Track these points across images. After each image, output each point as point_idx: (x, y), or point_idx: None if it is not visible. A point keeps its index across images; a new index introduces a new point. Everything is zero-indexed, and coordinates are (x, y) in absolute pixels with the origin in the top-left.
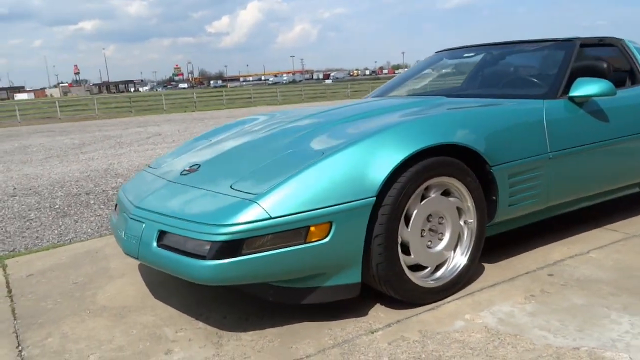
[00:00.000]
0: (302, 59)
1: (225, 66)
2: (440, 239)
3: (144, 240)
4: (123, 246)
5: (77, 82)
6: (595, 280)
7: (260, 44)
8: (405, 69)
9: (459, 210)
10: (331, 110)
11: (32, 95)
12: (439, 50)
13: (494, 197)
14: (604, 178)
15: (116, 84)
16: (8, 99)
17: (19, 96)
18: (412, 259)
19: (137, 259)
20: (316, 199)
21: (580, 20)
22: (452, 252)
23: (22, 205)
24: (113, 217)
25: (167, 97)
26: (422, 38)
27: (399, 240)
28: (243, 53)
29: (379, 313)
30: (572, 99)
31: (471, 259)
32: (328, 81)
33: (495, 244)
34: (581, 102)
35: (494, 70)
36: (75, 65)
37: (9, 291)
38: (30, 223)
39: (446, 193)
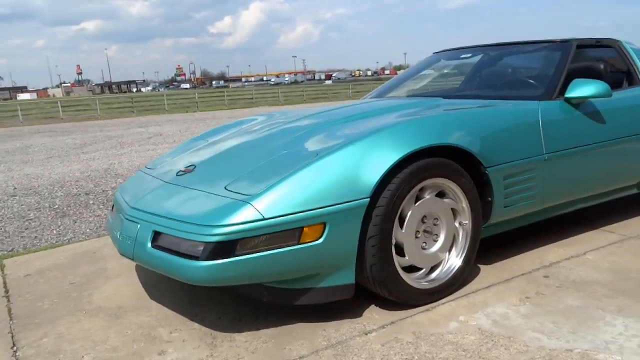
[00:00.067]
0: (304, 60)
1: (228, 66)
2: (435, 241)
3: (139, 241)
4: (118, 247)
5: (80, 82)
6: (591, 282)
7: (263, 44)
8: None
9: (454, 212)
10: (328, 111)
11: (34, 96)
12: (437, 51)
13: (489, 199)
14: (600, 180)
15: (118, 84)
16: (11, 99)
17: (22, 96)
18: (407, 260)
19: (132, 259)
20: (310, 199)
21: (582, 21)
22: (447, 253)
23: (22, 205)
24: (110, 218)
25: (168, 97)
26: (424, 38)
27: (393, 242)
28: (245, 53)
29: (374, 314)
30: (568, 100)
31: (466, 261)
32: (328, 82)
33: (491, 246)
34: (577, 104)
35: (491, 71)
36: (78, 66)
37: (6, 291)
38: (30, 223)
39: (441, 194)
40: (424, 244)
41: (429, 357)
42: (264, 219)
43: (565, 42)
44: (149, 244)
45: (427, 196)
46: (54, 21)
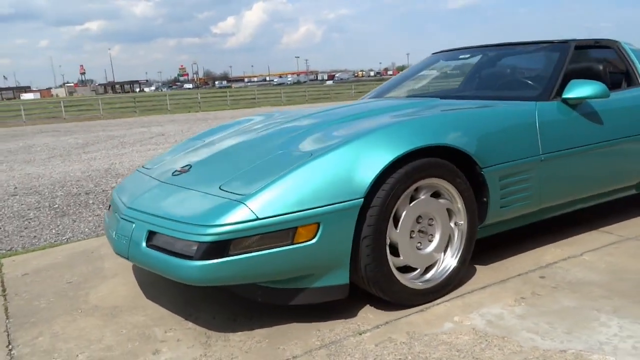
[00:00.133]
0: (306, 60)
1: (230, 67)
2: (430, 241)
3: (134, 240)
4: (114, 246)
5: (83, 82)
6: (587, 283)
7: (265, 44)
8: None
9: (450, 212)
10: (325, 111)
11: (38, 95)
12: (436, 51)
13: (485, 199)
14: (598, 180)
15: (121, 84)
16: (14, 98)
17: (25, 96)
18: (401, 260)
19: (127, 259)
20: (304, 200)
21: (583, 21)
22: (442, 253)
23: (22, 204)
24: (106, 217)
25: (171, 97)
26: (427, 39)
27: (388, 242)
28: (248, 54)
29: (368, 314)
30: (565, 100)
31: (461, 261)
32: (329, 82)
33: (488, 246)
34: (575, 104)
35: (489, 72)
36: (81, 66)
37: (4, 290)
38: (29, 222)
39: (436, 194)
40: (418, 244)
41: (423, 357)
42: (258, 218)
43: (563, 42)
44: (144, 244)
45: (422, 196)
46: (57, 21)
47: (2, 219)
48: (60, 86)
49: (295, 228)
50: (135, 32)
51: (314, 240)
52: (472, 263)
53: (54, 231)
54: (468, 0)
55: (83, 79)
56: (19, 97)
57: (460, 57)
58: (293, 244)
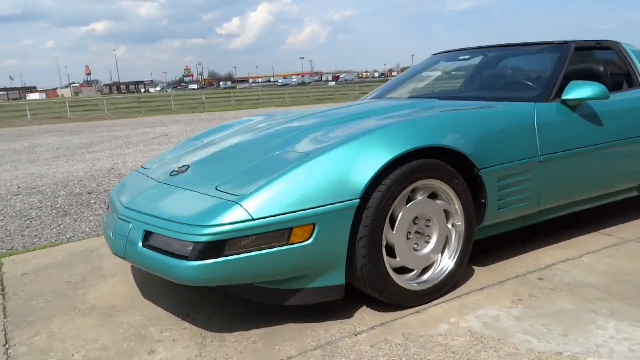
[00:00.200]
0: (311, 61)
1: (235, 68)
2: (428, 242)
3: (131, 241)
4: (111, 246)
5: (89, 83)
6: (586, 285)
7: (270, 45)
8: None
9: (447, 213)
10: (324, 112)
11: (44, 96)
12: (436, 52)
13: (483, 201)
14: (597, 182)
15: (127, 85)
16: (21, 99)
17: (31, 96)
18: (398, 261)
19: (124, 259)
20: (300, 200)
21: (591, 23)
22: (440, 255)
23: (25, 204)
24: (105, 218)
25: (176, 98)
26: (433, 40)
27: (384, 243)
28: (253, 55)
29: (365, 315)
30: (565, 102)
31: (459, 263)
32: (332, 83)
33: (487, 248)
34: (574, 106)
35: (489, 73)
36: (87, 66)
37: (3, 289)
38: (31, 222)
39: (434, 196)
40: (415, 246)
41: (417, 359)
42: (253, 219)
43: (563, 44)
44: (140, 244)
45: (419, 197)
46: (63, 22)
47: (4, 219)
48: (66, 87)
49: (291, 229)
50: (140, 33)
51: (309, 241)
52: (470, 264)
53: (55, 231)
54: (474, 2)
55: (89, 79)
56: (26, 98)
57: (461, 58)
58: (289, 245)
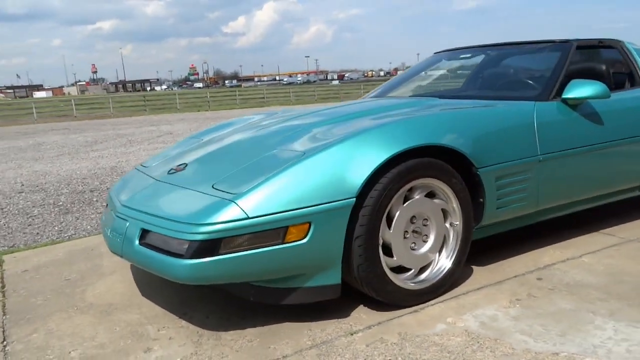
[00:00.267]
0: (316, 60)
1: (241, 66)
2: (425, 241)
3: (128, 238)
4: (109, 244)
5: (95, 81)
6: (585, 285)
7: (276, 44)
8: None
9: (445, 212)
10: (324, 110)
11: (50, 94)
12: (438, 51)
13: (481, 200)
14: (598, 182)
15: (133, 83)
16: (27, 96)
17: (38, 94)
18: (395, 260)
19: (121, 256)
20: (295, 199)
21: (598, 22)
22: (437, 254)
23: (28, 201)
24: (103, 215)
25: (181, 96)
26: (438, 39)
27: (381, 242)
28: (258, 53)
29: (361, 314)
30: (565, 101)
31: (456, 262)
32: (335, 82)
33: (486, 247)
34: (575, 105)
35: (490, 71)
36: (93, 64)
37: (2, 286)
38: (33, 219)
39: (431, 195)
40: (413, 245)
41: (413, 358)
42: (249, 217)
43: (564, 42)
44: (137, 241)
45: (416, 196)
46: (70, 21)
47: (7, 216)
48: (72, 85)
49: (286, 227)
50: (146, 31)
51: (304, 240)
52: (468, 264)
53: (56, 228)
54: (480, 1)
55: (95, 77)
56: (32, 95)
57: (462, 56)
58: (284, 244)
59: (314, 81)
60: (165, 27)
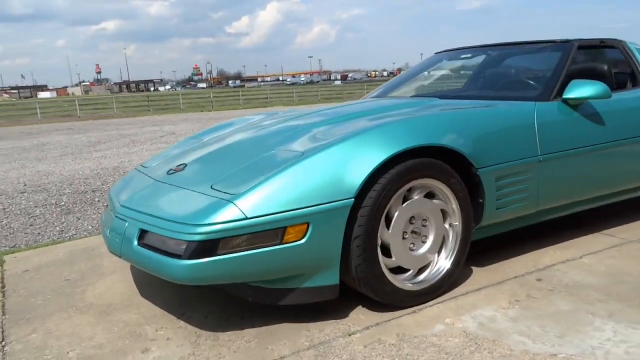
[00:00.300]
0: (320, 60)
1: (244, 66)
2: (424, 242)
3: (126, 239)
4: (108, 244)
5: (99, 81)
6: (585, 286)
7: (279, 44)
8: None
9: (444, 213)
10: (324, 110)
11: (54, 94)
12: (439, 51)
13: (481, 200)
14: (599, 182)
15: (136, 83)
16: (32, 97)
17: (42, 94)
18: (394, 261)
19: (120, 257)
20: (294, 199)
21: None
22: (436, 255)
23: (30, 201)
24: (103, 216)
25: (184, 96)
26: (442, 39)
27: (379, 242)
28: (262, 53)
29: (360, 315)
30: (565, 101)
31: (455, 263)
32: (338, 82)
33: (486, 248)
34: (575, 105)
35: (491, 71)
36: (97, 65)
37: (3, 286)
38: (35, 220)
39: (430, 195)
40: (411, 245)
41: (411, 359)
42: (247, 218)
43: (565, 42)
44: (136, 242)
45: (415, 197)
46: (74, 21)
47: (9, 216)
48: (77, 85)
49: (285, 228)
50: (150, 31)
51: (303, 240)
52: (468, 264)
53: (57, 228)
54: (483, 2)
55: (99, 77)
56: (37, 96)
57: (463, 56)
58: (282, 244)
59: (317, 81)
60: (168, 27)
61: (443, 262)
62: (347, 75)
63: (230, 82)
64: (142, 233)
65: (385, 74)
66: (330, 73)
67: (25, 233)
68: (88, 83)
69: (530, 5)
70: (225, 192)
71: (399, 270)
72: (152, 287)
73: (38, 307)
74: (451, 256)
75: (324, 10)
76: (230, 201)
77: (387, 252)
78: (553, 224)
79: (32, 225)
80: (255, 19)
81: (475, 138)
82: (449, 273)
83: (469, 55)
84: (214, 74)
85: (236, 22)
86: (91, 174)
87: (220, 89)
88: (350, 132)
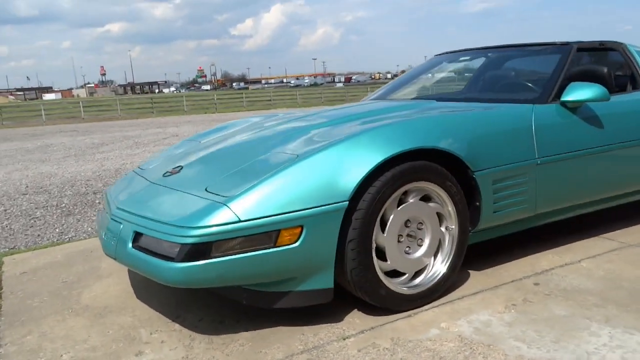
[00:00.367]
0: (324, 62)
1: (248, 68)
2: (420, 245)
3: (121, 241)
4: (103, 246)
5: (103, 83)
6: (582, 290)
7: (283, 46)
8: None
9: (440, 216)
10: (322, 113)
11: (59, 96)
12: (439, 53)
13: (478, 203)
14: (598, 186)
15: (141, 85)
16: (37, 98)
17: (47, 96)
18: (389, 265)
19: (115, 259)
20: (287, 202)
21: (606, 24)
22: (432, 259)
23: (31, 203)
24: (99, 218)
25: (188, 98)
26: (446, 41)
27: (374, 246)
28: (265, 55)
29: (355, 319)
30: (564, 104)
31: (452, 267)
32: (339, 84)
33: (483, 252)
34: (574, 107)
35: (489, 74)
36: (102, 67)
37: (0, 288)
38: (35, 221)
39: (426, 198)
40: (407, 249)
41: None
42: (240, 221)
43: (565, 44)
44: (130, 244)
45: (411, 200)
46: (79, 23)
47: (9, 218)
48: (81, 87)
49: (278, 231)
50: (155, 33)
51: (297, 244)
52: (465, 268)
53: (57, 230)
54: (488, 4)
55: (103, 79)
56: (42, 97)
57: (462, 58)
58: (276, 247)
59: (321, 83)
60: (173, 29)
61: (439, 266)
62: (351, 78)
63: (234, 84)
64: (137, 235)
65: (389, 76)
66: (334, 75)
67: (25, 234)
68: (93, 85)
69: (536, 7)
70: (219, 195)
71: (394, 273)
72: (149, 289)
73: (34, 309)
74: (447, 260)
75: (328, 12)
76: (224, 204)
77: (382, 256)
78: (551, 228)
79: (32, 226)
80: (259, 21)
81: (472, 141)
82: (445, 277)
83: (468, 58)
84: (218, 76)
85: (240, 25)
86: (93, 176)
87: (224, 91)
88: (345, 135)
